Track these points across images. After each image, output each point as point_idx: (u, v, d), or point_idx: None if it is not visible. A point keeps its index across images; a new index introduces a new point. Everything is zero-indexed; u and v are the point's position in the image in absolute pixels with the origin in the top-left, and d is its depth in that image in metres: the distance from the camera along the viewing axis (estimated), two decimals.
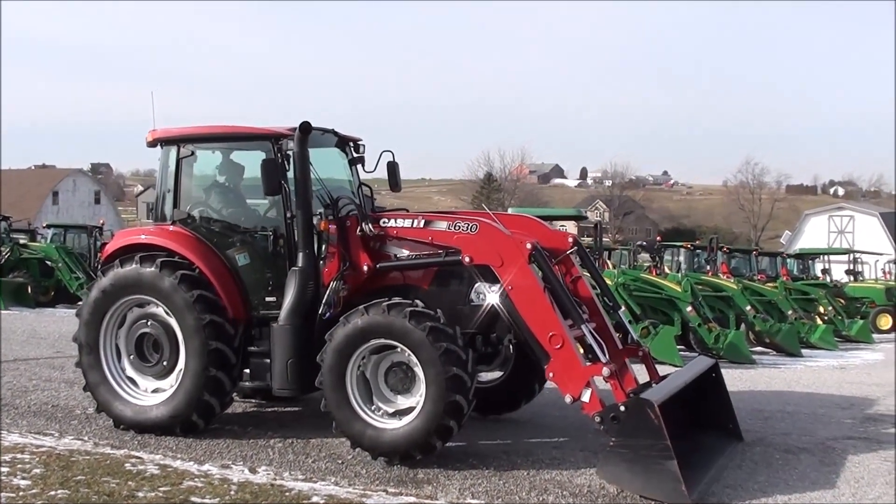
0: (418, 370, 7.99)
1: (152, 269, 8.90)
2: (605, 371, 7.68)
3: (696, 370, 8.94)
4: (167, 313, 9.00)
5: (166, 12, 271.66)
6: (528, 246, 8.19)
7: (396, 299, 8.19)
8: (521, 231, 8.75)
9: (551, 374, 7.88)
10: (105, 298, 9.20)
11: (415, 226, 8.78)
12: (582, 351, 8.02)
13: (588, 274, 9.30)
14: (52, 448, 8.51)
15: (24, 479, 7.44)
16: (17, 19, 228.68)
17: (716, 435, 8.88)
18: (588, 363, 7.87)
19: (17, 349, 15.37)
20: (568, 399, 7.73)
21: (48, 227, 33.87)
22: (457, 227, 8.53)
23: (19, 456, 8.14)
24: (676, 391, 7.95)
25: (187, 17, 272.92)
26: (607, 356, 7.97)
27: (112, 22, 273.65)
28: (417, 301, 8.27)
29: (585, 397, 7.62)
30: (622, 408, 7.38)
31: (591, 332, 8.08)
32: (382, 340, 8.11)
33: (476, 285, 8.51)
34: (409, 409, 8.10)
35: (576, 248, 8.89)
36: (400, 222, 8.86)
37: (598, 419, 7.50)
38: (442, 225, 8.64)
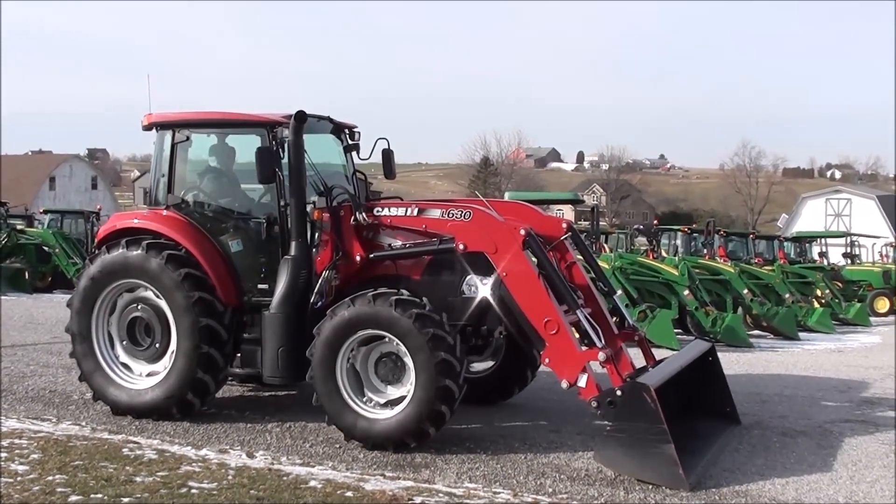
0: (407, 359, 7.97)
1: (138, 251, 8.89)
2: (601, 356, 7.69)
3: (692, 354, 8.94)
4: (157, 296, 9.00)
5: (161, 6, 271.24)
6: (522, 232, 8.17)
7: (382, 289, 8.15)
8: (515, 217, 8.72)
9: (547, 360, 7.88)
10: (94, 286, 9.20)
11: (408, 214, 8.73)
12: (577, 336, 8.01)
13: (583, 259, 9.28)
14: (50, 433, 8.52)
15: (21, 464, 7.44)
16: (13, 10, 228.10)
17: (713, 418, 8.89)
18: (584, 348, 7.87)
19: (14, 335, 15.34)
20: (564, 385, 7.74)
21: (45, 212, 33.78)
22: (450, 215, 8.49)
23: (17, 441, 8.15)
24: (673, 375, 7.95)
25: (184, 10, 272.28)
26: (603, 341, 7.97)
27: (110, 13, 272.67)
28: (403, 290, 8.23)
29: (581, 382, 7.63)
30: (619, 392, 7.38)
31: (586, 317, 8.06)
32: (370, 331, 8.09)
33: (468, 278, 8.47)
34: (401, 399, 8.08)
35: (570, 233, 8.87)
36: (393, 211, 8.81)
37: (594, 404, 7.50)
38: (435, 213, 8.61)
